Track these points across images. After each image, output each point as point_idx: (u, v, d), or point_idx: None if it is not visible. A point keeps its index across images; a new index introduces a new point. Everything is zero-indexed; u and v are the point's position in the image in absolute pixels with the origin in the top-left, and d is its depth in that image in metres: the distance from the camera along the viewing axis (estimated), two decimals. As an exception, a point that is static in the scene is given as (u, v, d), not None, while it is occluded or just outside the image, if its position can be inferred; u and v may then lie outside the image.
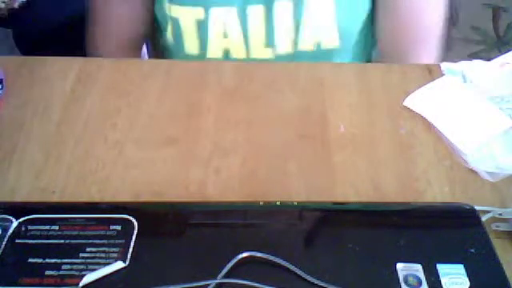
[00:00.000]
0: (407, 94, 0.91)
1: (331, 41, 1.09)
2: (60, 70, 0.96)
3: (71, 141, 0.85)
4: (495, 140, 0.84)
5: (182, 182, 0.79)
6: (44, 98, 0.91)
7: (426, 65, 0.97)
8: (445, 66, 0.95)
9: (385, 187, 0.78)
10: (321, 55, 1.11)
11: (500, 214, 0.73)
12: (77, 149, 0.84)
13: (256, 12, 1.05)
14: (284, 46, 1.09)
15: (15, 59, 1.02)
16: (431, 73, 0.95)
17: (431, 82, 0.93)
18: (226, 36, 1.07)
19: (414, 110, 0.88)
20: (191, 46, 1.10)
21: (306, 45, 1.09)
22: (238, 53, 1.10)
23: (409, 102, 0.90)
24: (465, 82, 0.92)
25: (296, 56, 1.10)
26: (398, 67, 0.98)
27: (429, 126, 0.87)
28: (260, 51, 1.10)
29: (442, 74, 0.94)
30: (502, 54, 0.95)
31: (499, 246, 0.68)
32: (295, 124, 0.88)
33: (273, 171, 0.81)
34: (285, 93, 0.93)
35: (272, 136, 0.86)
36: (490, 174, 0.80)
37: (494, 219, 0.73)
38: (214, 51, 1.10)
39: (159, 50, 1.22)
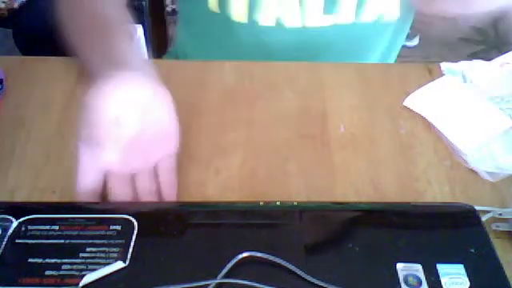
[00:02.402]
0: (407, 93, 0.91)
1: (392, 12, 1.07)
2: (60, 69, 0.96)
3: (71, 141, 0.82)
4: (495, 140, 0.85)
5: (182, 182, 0.79)
6: (44, 97, 0.91)
7: (426, 65, 0.98)
8: (445, 66, 0.96)
9: (385, 187, 0.79)
10: (379, 28, 1.10)
11: (500, 214, 0.74)
12: (77, 149, 0.83)
13: None
14: (345, 15, 1.05)
15: (15, 59, 1.02)
16: (431, 73, 0.96)
17: (431, 82, 0.93)
18: (279, 2, 1.04)
19: (413, 110, 0.89)
20: (239, 12, 1.06)
21: (368, 16, 1.06)
22: (292, 20, 1.06)
23: (409, 102, 0.90)
24: (465, 82, 0.93)
25: (354, 27, 1.07)
26: (398, 67, 0.98)
27: (429, 126, 0.87)
28: (317, 19, 1.06)
29: (442, 74, 0.95)
30: (502, 53, 0.95)
31: (499, 246, 0.68)
32: (295, 124, 0.88)
33: (273, 171, 0.81)
34: (285, 93, 0.93)
35: (272, 136, 0.86)
36: (490, 173, 0.81)
37: (494, 219, 0.74)
38: (266, 18, 1.06)
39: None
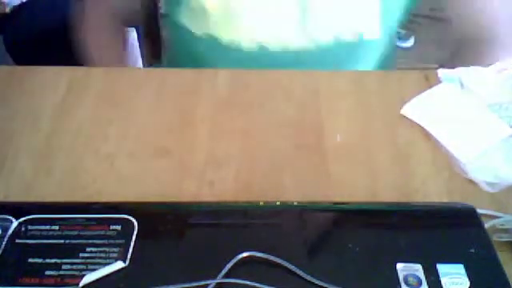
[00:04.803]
0: (404, 101, 0.93)
1: (373, 30, 1.11)
2: (50, 79, 0.99)
3: (62, 153, 0.87)
4: (495, 149, 0.87)
5: (176, 194, 0.82)
6: (34, 108, 0.94)
7: (423, 72, 1.00)
8: (442, 72, 0.98)
9: (383, 198, 0.81)
10: (360, 49, 1.14)
11: (502, 225, 0.76)
12: (67, 162, 0.86)
13: None
14: (323, 35, 1.11)
15: (5, 68, 1.04)
16: (428, 80, 0.98)
17: (428, 90, 0.95)
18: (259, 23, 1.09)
19: (411, 118, 0.91)
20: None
21: (348, 34, 1.10)
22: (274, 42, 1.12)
23: (406, 111, 0.92)
24: (463, 88, 0.95)
25: (335, 47, 1.12)
26: (395, 74, 1.01)
27: (427, 135, 0.89)
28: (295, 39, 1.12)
29: (439, 81, 0.97)
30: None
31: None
32: (291, 134, 0.90)
33: (268, 182, 0.83)
34: (280, 102, 0.96)
35: (267, 146, 0.89)
36: (490, 184, 0.82)
37: (495, 230, 0.75)
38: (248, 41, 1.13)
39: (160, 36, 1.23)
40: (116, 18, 1.24)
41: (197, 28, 1.13)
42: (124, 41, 1.32)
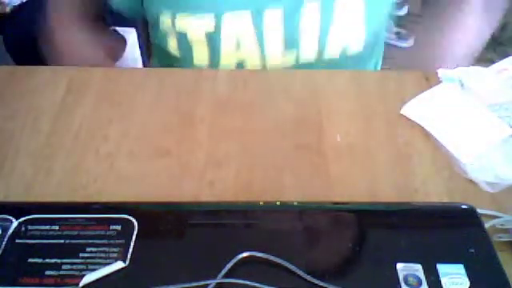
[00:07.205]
0: (404, 101, 0.94)
1: (357, 46, 1.11)
2: (50, 79, 0.99)
3: (62, 153, 0.87)
4: (495, 149, 0.87)
5: (176, 195, 0.82)
6: (34, 108, 0.94)
7: (423, 72, 1.00)
8: (442, 72, 0.98)
9: (383, 198, 0.81)
10: (344, 62, 1.13)
11: (502, 225, 0.76)
12: (67, 162, 0.86)
13: (274, 16, 1.06)
14: (308, 53, 1.10)
15: (5, 68, 1.04)
16: (428, 80, 0.98)
17: (428, 90, 0.95)
18: (238, 47, 1.08)
19: (411, 118, 0.91)
20: (201, 57, 1.11)
21: (332, 51, 1.10)
22: (253, 62, 1.11)
23: (406, 111, 0.92)
24: (463, 89, 0.95)
25: (318, 64, 1.11)
26: (395, 74, 1.01)
27: (427, 135, 0.90)
28: (277, 59, 1.11)
29: (439, 81, 0.97)
30: (497, 54, 0.98)
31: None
32: (291, 134, 0.90)
33: (268, 182, 0.84)
34: (280, 102, 0.96)
35: (267, 146, 0.89)
36: (490, 184, 0.83)
37: (495, 230, 0.76)
38: (227, 62, 1.11)
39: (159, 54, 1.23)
40: (85, 16, 1.23)
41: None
42: (110, 40, 1.31)
